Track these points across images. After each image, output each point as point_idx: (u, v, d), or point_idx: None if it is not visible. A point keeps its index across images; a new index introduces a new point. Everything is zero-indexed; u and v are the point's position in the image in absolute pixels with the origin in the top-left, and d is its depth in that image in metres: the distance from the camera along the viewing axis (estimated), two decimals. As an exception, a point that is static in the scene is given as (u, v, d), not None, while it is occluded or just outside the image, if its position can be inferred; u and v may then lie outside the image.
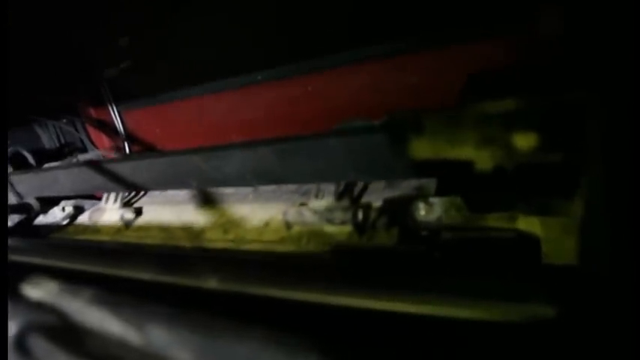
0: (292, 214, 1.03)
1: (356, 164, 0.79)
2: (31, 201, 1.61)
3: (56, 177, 1.34)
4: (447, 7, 1.09)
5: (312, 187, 1.06)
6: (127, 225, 1.36)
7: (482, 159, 0.63)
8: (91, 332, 0.70)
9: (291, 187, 1.20)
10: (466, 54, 1.10)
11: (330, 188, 1.02)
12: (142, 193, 1.52)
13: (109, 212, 1.43)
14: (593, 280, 0.53)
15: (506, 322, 0.51)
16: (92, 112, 1.95)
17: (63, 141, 2.09)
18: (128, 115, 1.89)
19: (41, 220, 1.63)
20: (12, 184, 1.47)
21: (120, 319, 0.68)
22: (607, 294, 0.49)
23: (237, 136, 1.59)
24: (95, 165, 1.20)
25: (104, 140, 1.98)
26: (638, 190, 0.48)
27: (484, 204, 0.75)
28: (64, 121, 2.01)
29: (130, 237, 1.31)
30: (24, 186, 1.48)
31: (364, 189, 1.05)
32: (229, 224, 1.17)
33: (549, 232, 0.64)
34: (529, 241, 0.67)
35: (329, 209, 0.99)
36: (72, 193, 1.51)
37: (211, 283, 0.73)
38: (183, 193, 1.41)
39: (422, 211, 0.82)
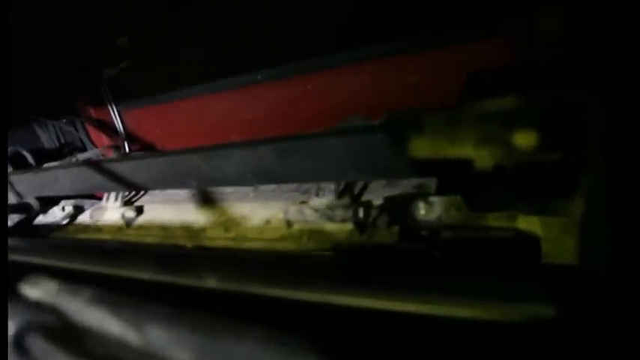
0: (293, 212, 1.03)
1: (356, 163, 0.78)
2: (31, 201, 1.60)
3: (56, 177, 1.34)
4: (446, 7, 1.09)
5: (313, 185, 1.06)
6: (128, 224, 1.36)
7: (482, 158, 0.63)
8: (90, 332, 0.70)
9: (292, 185, 1.20)
10: (466, 54, 1.10)
11: (330, 187, 1.02)
12: (143, 192, 1.52)
13: (111, 211, 1.44)
14: (593, 280, 0.53)
15: (506, 321, 0.51)
16: (92, 111, 1.95)
17: (63, 141, 2.09)
18: (128, 114, 1.89)
19: (41, 219, 1.63)
20: (12, 184, 1.47)
21: (119, 319, 0.68)
22: (607, 294, 0.49)
23: (237, 135, 1.58)
24: (95, 165, 1.20)
25: (104, 140, 1.98)
26: (638, 190, 0.48)
27: (484, 203, 0.75)
28: (64, 120, 2.02)
29: (130, 236, 1.31)
30: (24, 186, 1.48)
31: (364, 187, 1.05)
32: (230, 223, 1.17)
33: (549, 232, 0.64)
34: (529, 241, 0.66)
35: (330, 207, 0.99)
36: (72, 193, 1.51)
37: (211, 283, 0.73)
38: (184, 192, 1.41)
39: (422, 210, 0.82)
